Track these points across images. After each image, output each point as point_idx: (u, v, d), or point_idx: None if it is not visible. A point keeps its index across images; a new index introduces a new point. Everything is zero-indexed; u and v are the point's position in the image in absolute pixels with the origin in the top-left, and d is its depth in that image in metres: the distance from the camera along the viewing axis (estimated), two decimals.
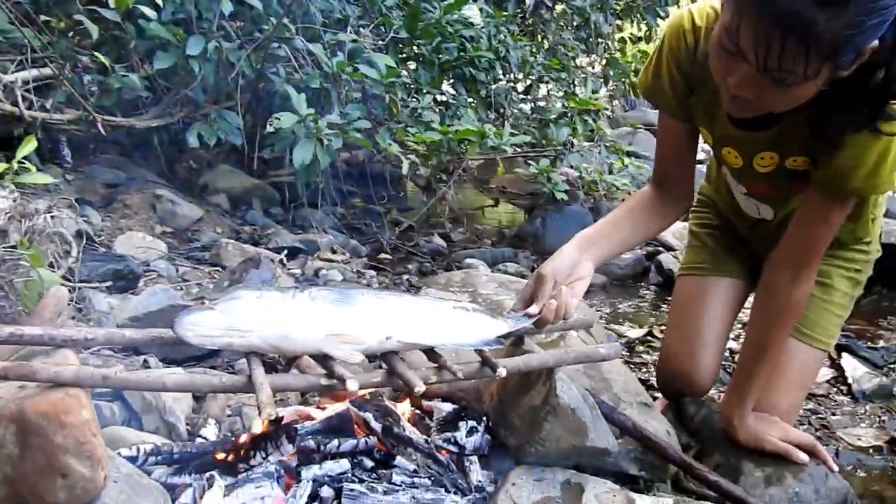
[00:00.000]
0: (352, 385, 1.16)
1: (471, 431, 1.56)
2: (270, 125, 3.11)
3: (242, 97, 3.62)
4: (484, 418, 1.60)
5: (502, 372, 1.32)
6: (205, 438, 1.57)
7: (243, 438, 1.43)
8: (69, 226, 2.51)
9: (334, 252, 3.41)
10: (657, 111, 1.73)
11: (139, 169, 3.86)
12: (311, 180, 3.49)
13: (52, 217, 2.01)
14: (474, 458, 1.54)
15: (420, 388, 1.20)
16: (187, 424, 1.68)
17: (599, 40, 5.93)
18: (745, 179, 1.74)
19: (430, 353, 1.37)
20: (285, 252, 3.22)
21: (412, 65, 4.29)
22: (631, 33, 6.51)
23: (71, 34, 3.18)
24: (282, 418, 1.58)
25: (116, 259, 2.57)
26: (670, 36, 1.57)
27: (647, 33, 6.35)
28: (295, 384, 1.20)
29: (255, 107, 3.97)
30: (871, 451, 2.29)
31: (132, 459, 1.37)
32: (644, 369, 2.77)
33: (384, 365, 1.30)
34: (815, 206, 1.52)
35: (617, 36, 6.38)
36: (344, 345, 1.22)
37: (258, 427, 1.41)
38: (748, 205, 1.84)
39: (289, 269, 2.98)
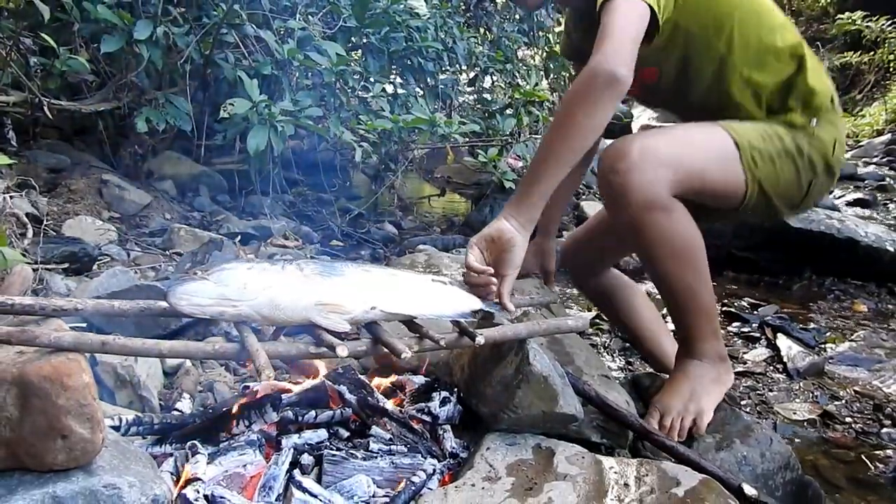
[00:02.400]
0: (341, 351, 1.20)
1: (443, 402, 1.62)
2: (224, 111, 3.09)
3: (189, 84, 3.58)
4: (455, 389, 1.67)
5: (481, 340, 1.38)
6: (180, 411, 1.59)
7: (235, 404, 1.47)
8: (22, 207, 2.47)
9: (287, 238, 3.42)
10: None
11: (82, 154, 3.78)
12: (263, 167, 3.49)
13: (12, 197, 1.98)
14: (447, 427, 1.60)
15: (406, 353, 1.25)
16: (160, 399, 1.69)
17: (541, 33, 6.04)
18: None
19: (411, 324, 1.42)
20: (238, 238, 3.21)
21: (360, 54, 4.31)
22: None
23: (6, 15, 3.10)
24: (256, 391, 1.62)
25: (71, 242, 2.54)
26: None
27: None
28: (285, 351, 1.23)
29: (201, 94, 3.93)
30: (805, 424, 2.43)
31: (115, 429, 1.38)
32: (594, 350, 2.87)
33: (369, 334, 1.34)
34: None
35: (557, 29, 6.48)
36: (331, 314, 1.26)
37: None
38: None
39: (246, 254, 2.98)
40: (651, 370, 2.18)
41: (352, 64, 3.80)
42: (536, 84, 5.30)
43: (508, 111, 4.74)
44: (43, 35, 2.98)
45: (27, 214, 2.59)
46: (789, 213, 2.03)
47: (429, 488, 1.38)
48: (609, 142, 1.88)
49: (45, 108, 3.03)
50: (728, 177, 1.79)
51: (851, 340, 3.10)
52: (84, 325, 1.91)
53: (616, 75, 1.54)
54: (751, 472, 1.68)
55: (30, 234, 2.28)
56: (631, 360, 2.76)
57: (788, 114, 1.88)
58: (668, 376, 1.96)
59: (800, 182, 1.89)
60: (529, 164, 1.63)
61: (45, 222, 2.79)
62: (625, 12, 1.63)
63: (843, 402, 2.57)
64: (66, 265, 2.38)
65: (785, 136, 1.85)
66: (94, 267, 2.57)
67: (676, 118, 2.03)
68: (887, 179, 7.07)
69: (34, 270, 2.12)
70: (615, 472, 1.38)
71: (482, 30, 5.71)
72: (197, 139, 3.80)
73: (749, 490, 1.50)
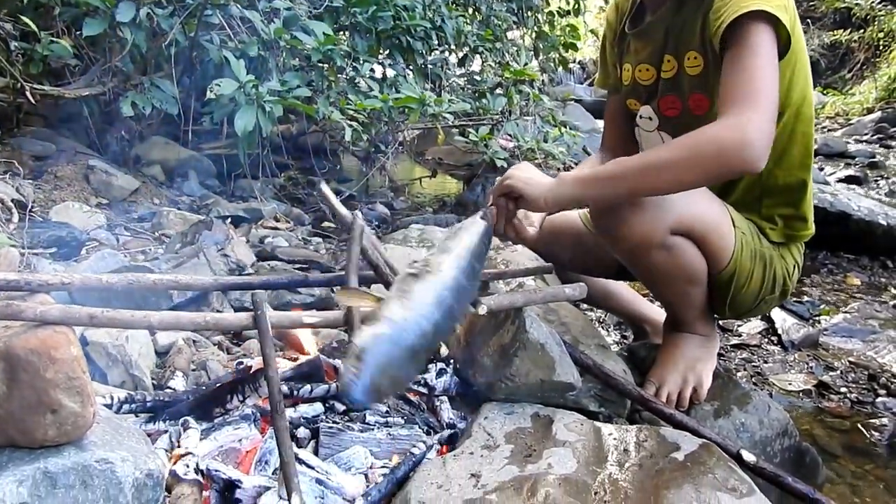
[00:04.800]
0: None
1: (440, 373, 1.61)
2: (210, 91, 3.05)
3: (174, 68, 3.54)
4: (451, 361, 1.65)
5: (483, 309, 1.36)
6: (173, 389, 1.57)
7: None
8: (7, 193, 2.44)
9: (277, 220, 3.39)
10: (604, 94, 2.06)
11: (68, 141, 3.73)
12: (251, 149, 3.46)
13: None
14: (444, 398, 1.58)
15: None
16: (153, 378, 1.67)
17: (529, 13, 5.98)
18: (656, 95, 1.80)
19: None
20: (228, 220, 3.18)
21: (347, 34, 4.26)
22: (559, 7, 6.55)
23: None
24: (250, 367, 1.60)
25: (58, 226, 2.50)
26: (608, 16, 1.96)
27: (576, 6, 6.42)
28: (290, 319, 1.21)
29: (187, 79, 3.88)
30: (800, 394, 2.44)
31: (107, 407, 1.36)
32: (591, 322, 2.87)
33: None
34: (735, 49, 1.45)
35: (546, 9, 6.42)
36: None
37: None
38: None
39: (237, 235, 2.96)
40: (647, 341, 2.16)
41: (339, 44, 3.76)
42: (526, 64, 5.27)
43: (499, 91, 4.71)
44: (24, 19, 2.93)
45: (12, 200, 2.56)
46: (729, 315, 1.92)
47: (427, 458, 1.37)
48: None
49: (28, 93, 2.99)
50: (721, 243, 1.66)
51: (845, 312, 3.10)
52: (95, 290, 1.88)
53: (753, 168, 1.35)
54: (749, 438, 1.67)
55: (15, 218, 2.25)
56: (626, 334, 2.75)
57: (769, 224, 1.79)
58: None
59: (758, 293, 1.79)
60: (604, 168, 1.47)
61: (32, 208, 2.76)
62: (771, 57, 1.43)
63: (838, 372, 2.57)
64: (53, 249, 2.34)
65: (763, 240, 1.77)
66: (83, 251, 2.54)
67: None
68: (877, 157, 7.08)
69: (21, 255, 2.09)
70: (614, 439, 1.36)
71: (471, 9, 5.65)
72: (184, 124, 3.76)
73: (748, 456, 1.49)
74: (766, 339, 2.85)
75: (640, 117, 1.88)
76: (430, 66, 4.56)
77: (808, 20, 11.90)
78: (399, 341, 1.09)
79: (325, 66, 3.73)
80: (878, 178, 6.15)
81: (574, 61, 8.93)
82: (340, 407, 1.54)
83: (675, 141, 1.43)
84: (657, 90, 1.80)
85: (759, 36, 1.43)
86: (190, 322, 1.14)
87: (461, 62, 5.12)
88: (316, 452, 1.34)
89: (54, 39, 3.09)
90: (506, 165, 4.22)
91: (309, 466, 1.25)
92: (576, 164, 5.36)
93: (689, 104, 1.72)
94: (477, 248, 1.35)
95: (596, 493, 1.18)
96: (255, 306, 1.14)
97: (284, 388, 1.51)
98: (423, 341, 1.12)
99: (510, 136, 4.54)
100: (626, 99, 1.92)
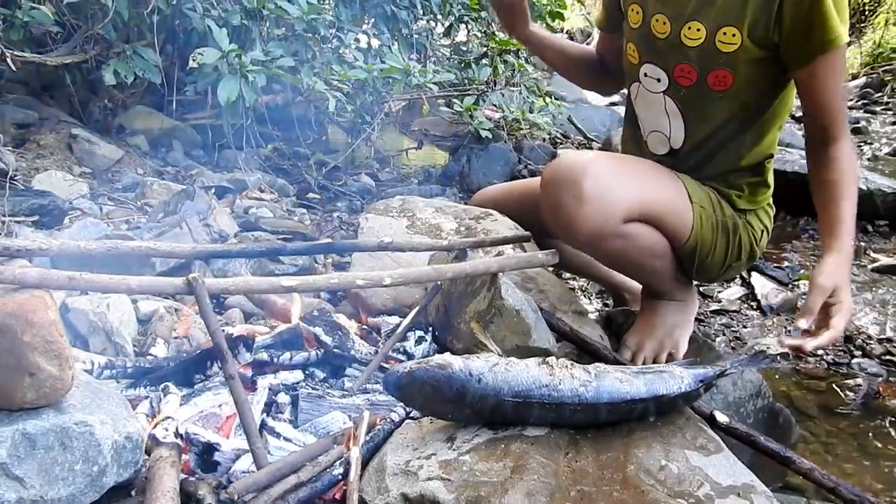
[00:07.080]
0: None
1: (419, 341, 1.63)
2: (193, 60, 3.03)
3: (157, 37, 3.50)
4: (430, 329, 1.67)
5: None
6: (154, 356, 1.59)
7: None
8: None
9: (262, 190, 3.39)
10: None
11: (51, 109, 3.70)
12: (236, 120, 3.44)
13: None
14: None
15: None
16: (134, 346, 1.68)
17: None
18: (670, 58, 1.69)
19: None
20: (213, 191, 3.17)
21: (331, 3, 4.22)
22: None
23: None
24: (231, 334, 1.61)
25: (40, 194, 2.49)
26: None
27: None
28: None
29: (170, 47, 3.85)
30: (778, 357, 2.48)
31: (87, 372, 1.38)
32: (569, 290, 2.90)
33: None
34: (830, 68, 1.55)
35: None
36: None
37: None
38: (658, 124, 1.81)
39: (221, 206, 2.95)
40: (626, 308, 2.19)
41: (324, 13, 3.72)
42: None
43: (484, 61, 4.69)
44: None
45: None
46: (698, 280, 1.96)
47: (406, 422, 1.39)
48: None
49: (9, 60, 2.96)
50: (677, 222, 1.69)
51: None
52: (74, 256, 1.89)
53: None
54: (723, 400, 1.71)
55: None
56: (608, 302, 2.78)
57: (735, 192, 1.81)
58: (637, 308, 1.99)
59: (724, 261, 1.82)
60: (848, 218, 1.63)
61: (14, 176, 2.74)
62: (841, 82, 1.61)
63: None
64: (35, 217, 2.34)
65: (727, 210, 1.78)
66: (66, 220, 2.53)
67: (662, 123, 1.80)
68: (861, 122, 7.09)
69: (1, 222, 2.09)
70: None
71: None
72: (168, 94, 3.74)
73: (721, 417, 1.52)
74: (746, 305, 2.89)
75: (645, 75, 1.76)
76: (414, 35, 4.52)
77: None
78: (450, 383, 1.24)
79: (310, 35, 3.71)
80: (862, 144, 6.17)
81: (561, 30, 8.88)
82: (320, 374, 1.56)
83: (849, 168, 1.65)
84: (672, 53, 1.68)
85: (843, 60, 1.61)
86: (169, 285, 1.15)
87: (446, 32, 5.08)
88: (295, 418, 1.36)
89: (35, 6, 3.05)
90: (490, 136, 4.21)
91: (286, 439, 1.27)
92: (562, 134, 5.36)
93: (708, 78, 1.64)
94: None
95: (567, 454, 1.21)
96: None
97: (265, 356, 1.53)
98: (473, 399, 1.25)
99: (495, 106, 4.53)
100: (627, 42, 1.80)
